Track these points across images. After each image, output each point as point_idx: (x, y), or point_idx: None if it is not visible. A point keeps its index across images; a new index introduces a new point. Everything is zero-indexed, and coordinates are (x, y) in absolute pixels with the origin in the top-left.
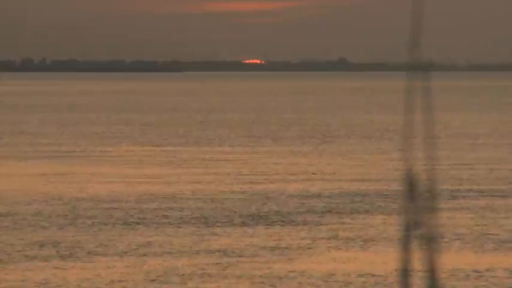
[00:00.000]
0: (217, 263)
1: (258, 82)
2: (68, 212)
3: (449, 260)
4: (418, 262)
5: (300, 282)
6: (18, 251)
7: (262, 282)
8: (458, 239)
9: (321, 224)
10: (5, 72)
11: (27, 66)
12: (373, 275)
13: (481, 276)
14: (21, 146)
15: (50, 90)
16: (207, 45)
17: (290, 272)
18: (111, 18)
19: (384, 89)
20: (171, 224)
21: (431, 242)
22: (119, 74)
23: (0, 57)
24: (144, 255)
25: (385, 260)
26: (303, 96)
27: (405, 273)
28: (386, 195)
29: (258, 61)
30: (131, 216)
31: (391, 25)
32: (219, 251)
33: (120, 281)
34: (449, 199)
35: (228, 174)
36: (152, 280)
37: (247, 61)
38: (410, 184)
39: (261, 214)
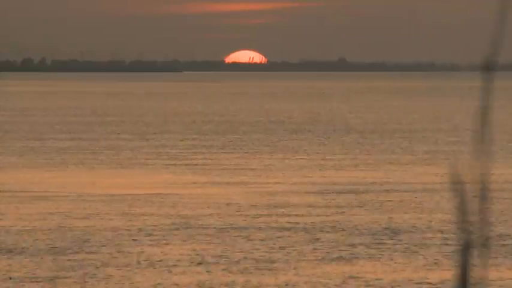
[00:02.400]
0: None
1: (286, 83)
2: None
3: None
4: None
5: None
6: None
7: None
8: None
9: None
10: (5, 72)
11: (27, 66)
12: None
13: None
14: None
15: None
16: (207, 45)
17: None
18: (112, 18)
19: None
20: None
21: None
22: (119, 74)
23: (0, 57)
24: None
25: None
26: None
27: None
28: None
29: (258, 61)
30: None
31: (391, 25)
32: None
33: None
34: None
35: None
36: None
37: (247, 61)
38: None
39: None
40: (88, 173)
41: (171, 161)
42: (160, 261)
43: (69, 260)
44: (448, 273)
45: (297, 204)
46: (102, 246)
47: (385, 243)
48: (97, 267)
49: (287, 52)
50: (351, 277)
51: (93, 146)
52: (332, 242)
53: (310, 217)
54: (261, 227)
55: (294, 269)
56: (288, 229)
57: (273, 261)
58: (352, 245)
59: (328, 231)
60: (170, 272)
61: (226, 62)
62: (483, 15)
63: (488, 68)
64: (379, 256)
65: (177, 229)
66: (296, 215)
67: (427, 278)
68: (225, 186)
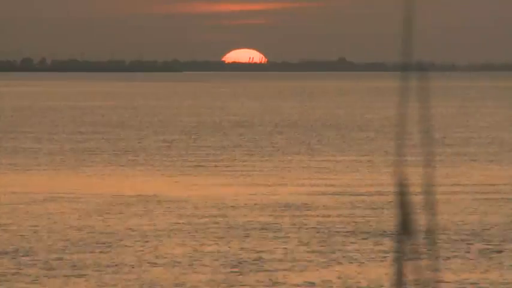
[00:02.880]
0: None
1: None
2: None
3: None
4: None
5: None
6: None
7: None
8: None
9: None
10: (5, 72)
11: (27, 66)
12: None
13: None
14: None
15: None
16: (207, 45)
17: None
18: (112, 18)
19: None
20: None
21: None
22: (119, 74)
23: (0, 57)
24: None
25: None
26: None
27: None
28: None
29: (258, 61)
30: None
31: (391, 25)
32: None
33: None
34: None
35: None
36: None
37: (247, 61)
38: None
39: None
40: (117, 173)
41: (199, 163)
42: (192, 260)
43: (97, 257)
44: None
45: (333, 206)
46: (138, 246)
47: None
48: (132, 268)
49: (287, 52)
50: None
51: (119, 148)
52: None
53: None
54: (294, 228)
55: (323, 268)
56: (319, 230)
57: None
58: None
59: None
60: (202, 272)
61: (226, 62)
62: (482, 15)
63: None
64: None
65: (206, 229)
66: (328, 216)
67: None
68: (253, 187)
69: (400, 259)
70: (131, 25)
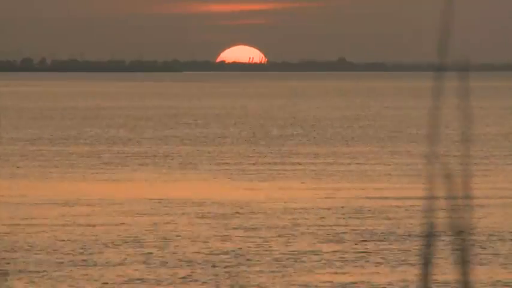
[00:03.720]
0: None
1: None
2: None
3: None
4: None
5: None
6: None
7: None
8: None
9: None
10: (5, 72)
11: (27, 66)
12: None
13: None
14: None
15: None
16: (207, 45)
17: None
18: (111, 18)
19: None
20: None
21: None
22: (119, 74)
23: (0, 57)
24: None
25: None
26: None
27: None
28: None
29: (258, 61)
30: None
31: (391, 25)
32: None
33: None
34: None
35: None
36: None
37: (247, 61)
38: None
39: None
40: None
41: (230, 166)
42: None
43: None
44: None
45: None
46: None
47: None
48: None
49: (287, 52)
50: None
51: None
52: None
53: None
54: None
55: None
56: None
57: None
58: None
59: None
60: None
61: (226, 62)
62: (482, 15)
63: (439, 68)
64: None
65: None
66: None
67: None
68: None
69: (428, 261)
70: (131, 25)
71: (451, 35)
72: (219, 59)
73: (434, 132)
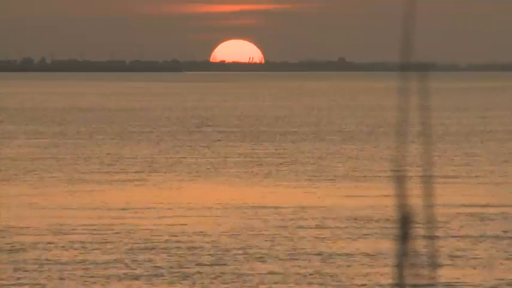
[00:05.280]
0: None
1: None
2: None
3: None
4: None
5: None
6: None
7: None
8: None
9: None
10: (5, 72)
11: (27, 66)
12: None
13: None
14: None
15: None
16: (207, 45)
17: None
18: (112, 18)
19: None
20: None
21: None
22: (119, 74)
23: (0, 57)
24: None
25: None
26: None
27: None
28: None
29: (258, 61)
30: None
31: (391, 25)
32: None
33: None
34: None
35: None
36: None
37: (247, 61)
38: (404, 219)
39: None
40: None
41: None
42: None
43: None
44: None
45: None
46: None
47: None
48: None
49: (287, 52)
50: None
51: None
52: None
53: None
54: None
55: None
56: None
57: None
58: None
59: None
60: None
61: (227, 62)
62: (481, 15)
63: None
64: None
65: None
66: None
67: None
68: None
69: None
70: (131, 25)
71: (413, 35)
72: (214, 54)
73: (401, 131)
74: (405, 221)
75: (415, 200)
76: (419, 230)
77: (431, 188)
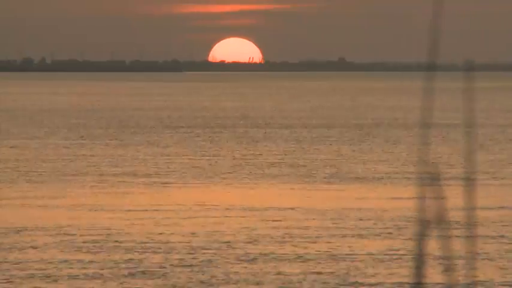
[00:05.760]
0: None
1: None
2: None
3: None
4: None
5: None
6: None
7: None
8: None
9: None
10: (5, 72)
11: (27, 66)
12: None
13: None
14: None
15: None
16: (207, 45)
17: None
18: (112, 18)
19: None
20: None
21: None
22: (119, 74)
23: (0, 57)
24: None
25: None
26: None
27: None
28: None
29: (258, 61)
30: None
31: (391, 25)
32: None
33: None
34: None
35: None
36: None
37: (247, 61)
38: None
39: None
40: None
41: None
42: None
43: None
44: None
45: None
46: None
47: None
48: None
49: (287, 52)
50: None
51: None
52: None
53: None
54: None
55: None
56: None
57: None
58: None
59: None
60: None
61: (227, 62)
62: (481, 15)
63: (429, 68)
64: None
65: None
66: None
67: None
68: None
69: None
70: (131, 25)
71: (441, 35)
72: (213, 52)
73: (424, 132)
74: (427, 222)
75: (445, 201)
76: (455, 231)
77: (471, 189)
